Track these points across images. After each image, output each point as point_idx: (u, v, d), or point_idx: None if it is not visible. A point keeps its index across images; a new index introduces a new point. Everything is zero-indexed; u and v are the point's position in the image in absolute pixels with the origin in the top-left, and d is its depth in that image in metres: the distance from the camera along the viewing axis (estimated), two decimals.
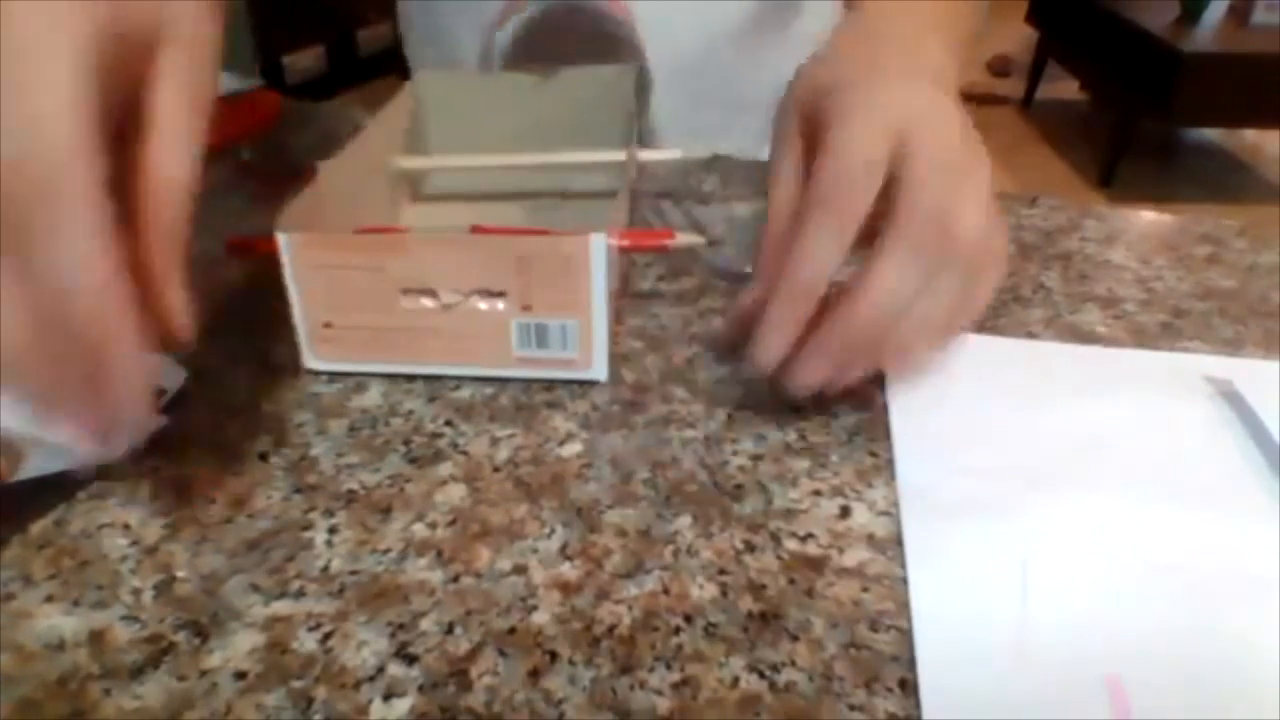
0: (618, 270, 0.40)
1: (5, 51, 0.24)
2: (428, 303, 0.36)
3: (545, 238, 0.34)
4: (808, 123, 0.35)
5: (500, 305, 0.36)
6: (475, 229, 0.35)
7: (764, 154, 0.60)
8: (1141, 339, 0.42)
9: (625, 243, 0.40)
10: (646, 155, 0.52)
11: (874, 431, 0.35)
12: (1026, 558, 0.29)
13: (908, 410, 0.36)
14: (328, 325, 0.37)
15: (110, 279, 0.24)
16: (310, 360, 0.38)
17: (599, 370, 0.37)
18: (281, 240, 0.35)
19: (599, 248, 0.34)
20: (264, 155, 0.61)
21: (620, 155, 0.48)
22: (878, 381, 0.37)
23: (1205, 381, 0.38)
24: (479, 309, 0.36)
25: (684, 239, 0.41)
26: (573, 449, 0.35)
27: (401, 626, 0.27)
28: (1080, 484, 0.32)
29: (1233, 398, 0.37)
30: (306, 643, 0.27)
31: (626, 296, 0.44)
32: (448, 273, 0.36)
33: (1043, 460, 0.33)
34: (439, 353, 0.37)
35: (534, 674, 0.26)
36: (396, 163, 0.49)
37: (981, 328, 0.42)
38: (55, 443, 0.33)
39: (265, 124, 0.64)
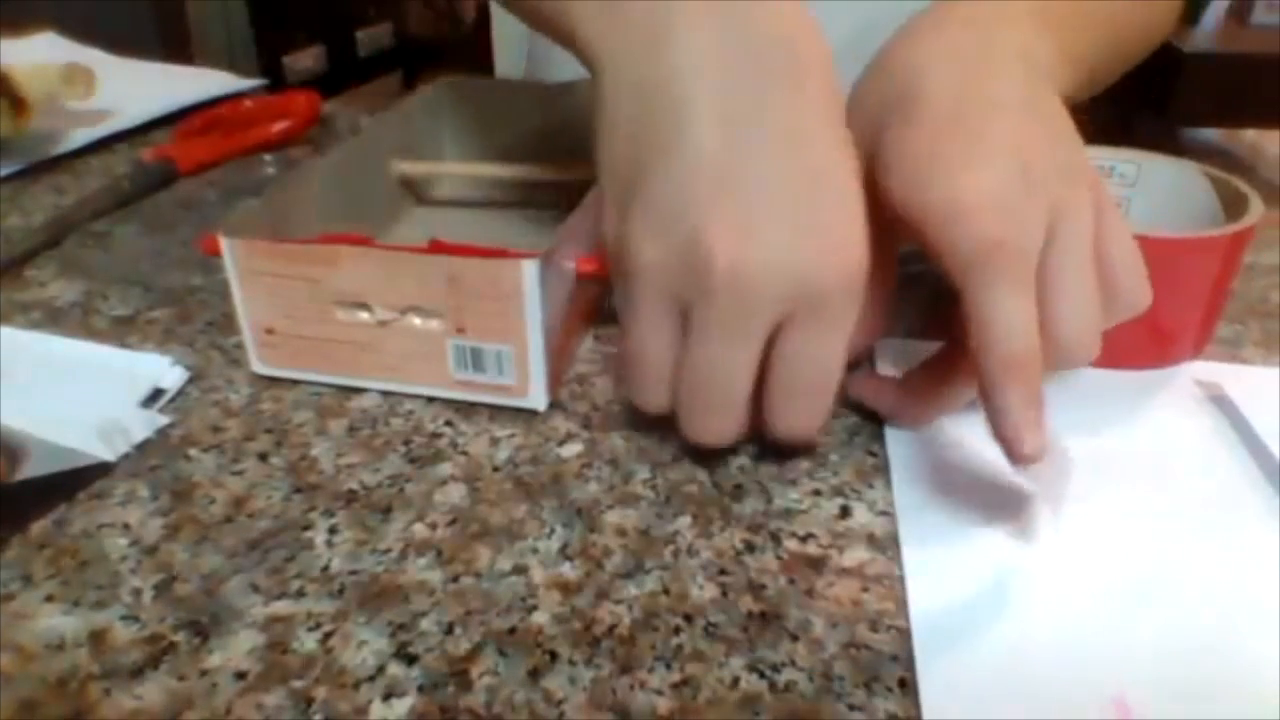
0: (578, 291, 0.38)
1: (816, 173, 0.28)
2: (365, 316, 0.35)
3: (478, 260, 0.33)
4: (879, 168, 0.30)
5: (434, 325, 0.35)
6: (433, 243, 0.34)
7: None
8: None
9: (589, 267, 0.38)
10: None
11: (874, 431, 0.35)
12: (1026, 573, 0.29)
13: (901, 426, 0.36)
14: (270, 331, 0.37)
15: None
16: (256, 365, 0.38)
17: (537, 399, 0.36)
18: (224, 244, 0.35)
19: (531, 273, 0.32)
20: (288, 166, 0.61)
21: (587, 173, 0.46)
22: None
23: (1195, 385, 0.38)
24: (414, 327, 0.35)
25: None
26: (573, 449, 0.35)
27: (401, 626, 0.27)
28: (1077, 496, 0.32)
29: (1222, 402, 0.37)
30: (306, 643, 0.27)
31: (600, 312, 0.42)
32: (380, 289, 0.35)
33: (1038, 472, 0.33)
34: (381, 369, 0.37)
35: (534, 674, 0.26)
36: (397, 166, 0.49)
37: None
38: (54, 442, 0.33)
39: (306, 125, 0.63)
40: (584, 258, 0.38)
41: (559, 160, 0.49)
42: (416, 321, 0.35)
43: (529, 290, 0.33)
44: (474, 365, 0.35)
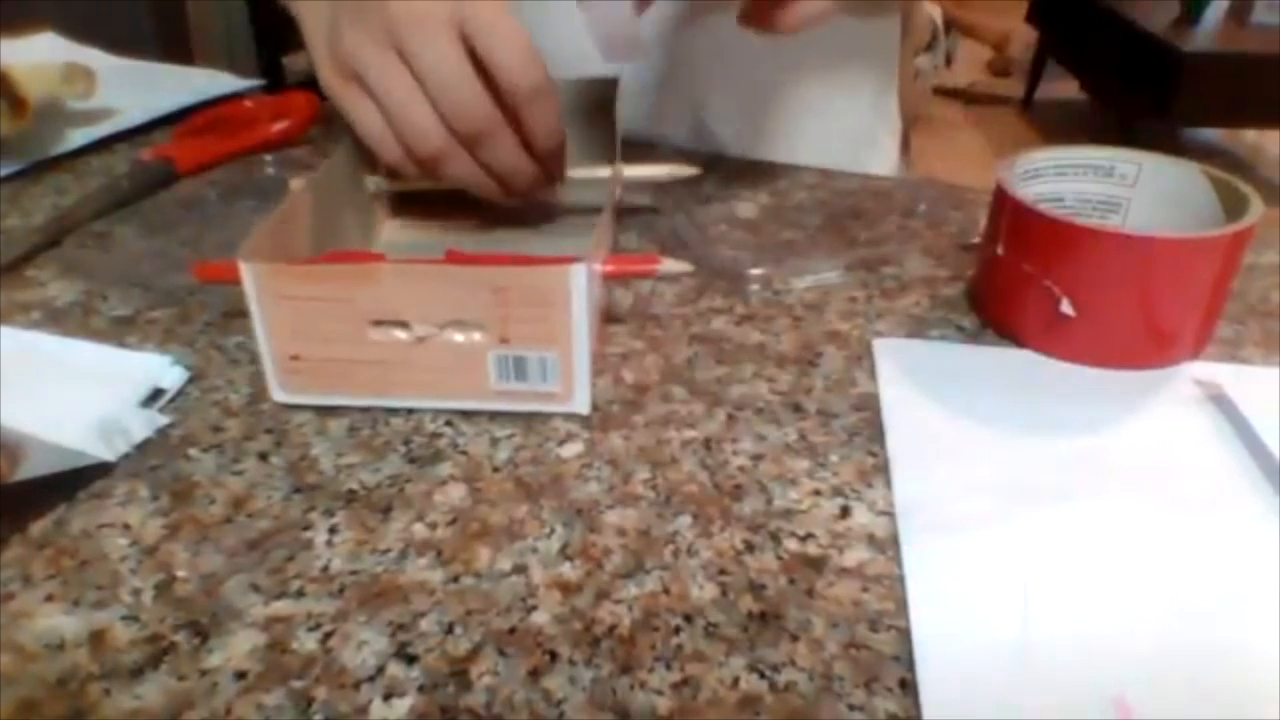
0: (600, 294, 0.38)
1: None
2: (400, 334, 0.35)
3: (524, 269, 0.33)
4: None
5: (477, 337, 0.34)
6: (450, 254, 0.33)
7: (753, 153, 0.60)
8: None
9: (609, 268, 0.38)
10: (633, 172, 0.50)
11: (874, 431, 0.35)
12: (1026, 574, 0.29)
13: (902, 425, 0.36)
14: (295, 358, 0.35)
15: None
16: (277, 394, 0.37)
17: (580, 403, 0.36)
18: (245, 270, 0.33)
19: (579, 279, 0.32)
20: (287, 166, 0.61)
21: (603, 172, 0.46)
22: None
23: (1195, 385, 0.38)
24: (454, 341, 0.35)
25: (671, 265, 0.39)
26: (573, 449, 0.35)
27: (401, 626, 0.27)
28: (1076, 496, 0.32)
29: (1222, 402, 0.37)
30: (306, 643, 0.27)
31: (609, 317, 0.43)
32: (421, 305, 0.34)
33: (1037, 473, 0.33)
34: (413, 386, 0.36)
35: (534, 674, 0.26)
36: (374, 181, 0.48)
37: (979, 330, 0.42)
38: (54, 442, 0.33)
39: (306, 125, 0.63)
40: (608, 257, 0.38)
41: None
42: (458, 336, 0.34)
43: (577, 295, 0.33)
44: (516, 375, 0.35)
